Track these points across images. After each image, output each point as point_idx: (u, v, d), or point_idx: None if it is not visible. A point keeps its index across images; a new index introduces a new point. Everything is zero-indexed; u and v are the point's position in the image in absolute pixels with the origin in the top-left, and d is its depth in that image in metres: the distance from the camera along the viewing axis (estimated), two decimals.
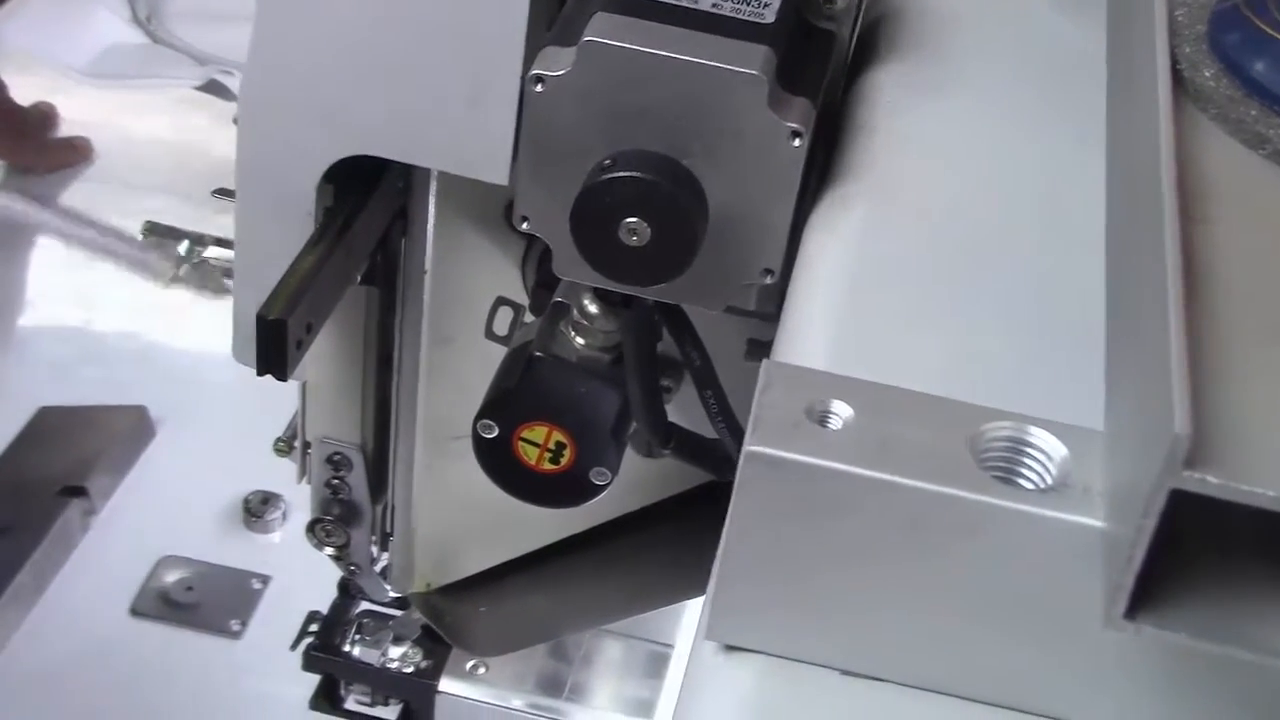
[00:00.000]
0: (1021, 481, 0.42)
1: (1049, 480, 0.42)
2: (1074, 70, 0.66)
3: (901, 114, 0.65)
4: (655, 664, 1.21)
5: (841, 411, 0.42)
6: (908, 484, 0.40)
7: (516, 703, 1.14)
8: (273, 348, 0.71)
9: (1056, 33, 0.70)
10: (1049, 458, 0.42)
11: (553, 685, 1.16)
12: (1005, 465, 0.42)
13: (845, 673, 0.44)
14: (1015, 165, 0.62)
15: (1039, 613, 0.42)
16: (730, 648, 0.45)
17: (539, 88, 0.62)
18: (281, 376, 0.72)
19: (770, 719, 0.43)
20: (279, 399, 0.94)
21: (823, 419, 0.42)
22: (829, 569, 0.42)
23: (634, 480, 0.89)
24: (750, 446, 0.41)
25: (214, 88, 2.09)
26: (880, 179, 0.61)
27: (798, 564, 0.42)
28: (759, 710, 0.43)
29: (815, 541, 0.42)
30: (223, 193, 0.85)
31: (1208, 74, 0.51)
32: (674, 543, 0.95)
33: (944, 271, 0.55)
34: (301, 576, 1.23)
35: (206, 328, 1.64)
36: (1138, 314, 0.43)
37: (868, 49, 0.71)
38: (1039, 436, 0.42)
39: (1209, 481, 0.35)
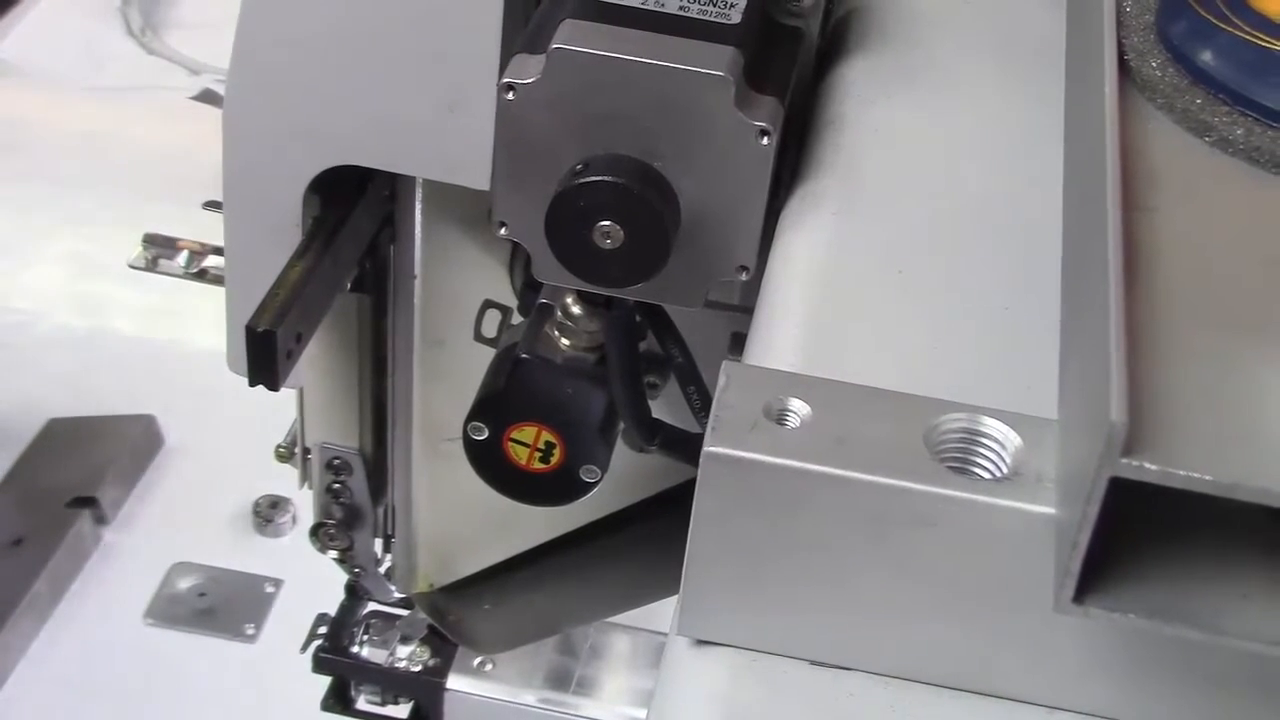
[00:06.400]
0: (977, 472, 0.43)
1: (1004, 470, 0.42)
2: (1044, 59, 0.66)
3: (871, 106, 0.66)
4: (661, 655, 1.21)
5: (799, 409, 0.43)
6: (864, 479, 0.41)
7: (525, 698, 1.15)
8: (262, 359, 0.72)
9: (1026, 21, 0.71)
10: (1003, 447, 0.43)
11: (561, 679, 1.17)
12: (961, 456, 0.43)
13: (814, 663, 0.45)
14: (985, 156, 0.62)
15: (999, 599, 0.43)
16: (701, 642, 0.46)
17: (510, 95, 0.63)
18: (272, 387, 0.73)
19: (741, 711, 0.44)
20: (286, 404, 0.95)
21: (780, 418, 0.43)
22: (793, 563, 0.43)
23: (632, 475, 0.90)
24: (709, 447, 0.42)
25: (210, 97, 2.10)
26: (850, 173, 0.62)
27: (762, 560, 0.43)
28: (730, 703, 0.44)
29: (778, 537, 0.43)
30: (213, 205, 0.86)
31: (1154, 64, 0.52)
32: (675, 534, 0.96)
33: (913, 265, 0.56)
34: (314, 579, 1.23)
35: (213, 335, 1.65)
36: (1084, 302, 0.44)
37: (837, 43, 0.71)
38: (993, 427, 0.43)
39: (1147, 468, 0.36)
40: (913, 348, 0.52)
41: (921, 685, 0.45)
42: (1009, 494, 0.41)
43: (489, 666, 1.15)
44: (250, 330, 0.71)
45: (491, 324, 0.86)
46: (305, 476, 0.98)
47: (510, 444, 0.78)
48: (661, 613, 1.20)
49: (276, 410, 0.97)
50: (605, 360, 0.77)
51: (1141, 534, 0.40)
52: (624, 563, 1.00)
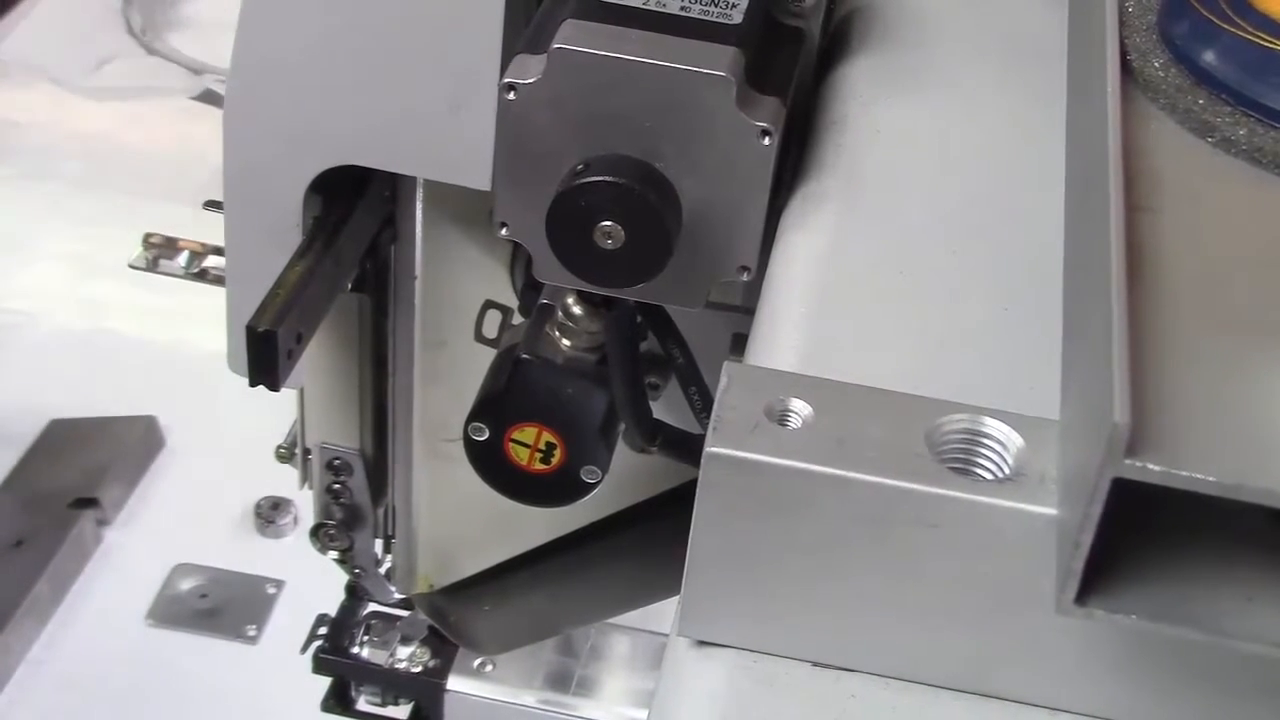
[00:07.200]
0: (979, 472, 0.42)
1: (1006, 471, 0.42)
2: (1046, 59, 0.66)
3: (873, 107, 0.66)
4: (662, 656, 1.21)
5: (800, 410, 0.43)
6: (866, 479, 0.41)
7: (525, 699, 1.15)
8: (263, 359, 0.72)
9: (1028, 21, 0.71)
10: (1005, 448, 0.43)
11: (561, 680, 1.16)
12: (963, 457, 0.43)
13: (816, 664, 0.45)
14: (987, 156, 0.62)
15: (1001, 600, 0.42)
16: (702, 643, 0.46)
17: (511, 95, 0.63)
18: (273, 387, 0.73)
19: (742, 712, 0.44)
20: (287, 405, 0.95)
21: (782, 418, 0.43)
22: (794, 564, 0.43)
23: (633, 475, 0.90)
24: (710, 448, 0.42)
25: (211, 97, 2.10)
26: (852, 174, 0.62)
27: (764, 560, 0.43)
28: (731, 704, 0.44)
29: (779, 538, 0.43)
30: (213, 205, 0.86)
31: (1157, 64, 0.52)
32: (675, 535, 0.96)
33: (915, 266, 0.56)
34: (316, 580, 1.23)
35: (213, 336, 1.65)
36: (1086, 303, 0.44)
37: (839, 43, 0.71)
38: (995, 428, 0.43)
39: (1150, 469, 0.36)
40: (914, 348, 0.51)
41: (923, 686, 0.44)
42: (1011, 495, 0.41)
43: (489, 667, 1.15)
44: (251, 330, 0.71)
45: (492, 324, 0.86)
46: (305, 477, 0.98)
47: (511, 445, 0.78)
48: (662, 614, 1.20)
49: (277, 411, 0.97)
50: (606, 361, 0.77)
51: (1144, 535, 0.40)
52: (624, 564, 0.99)
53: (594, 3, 0.63)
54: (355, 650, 1.15)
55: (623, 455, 0.82)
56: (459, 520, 0.98)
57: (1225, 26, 0.51)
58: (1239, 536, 0.40)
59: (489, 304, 0.86)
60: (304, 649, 1.15)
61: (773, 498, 0.42)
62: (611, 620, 1.16)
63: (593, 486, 0.80)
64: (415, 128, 0.71)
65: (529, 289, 0.84)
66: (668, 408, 0.84)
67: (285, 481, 1.03)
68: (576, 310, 0.76)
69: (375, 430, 0.95)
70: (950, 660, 0.44)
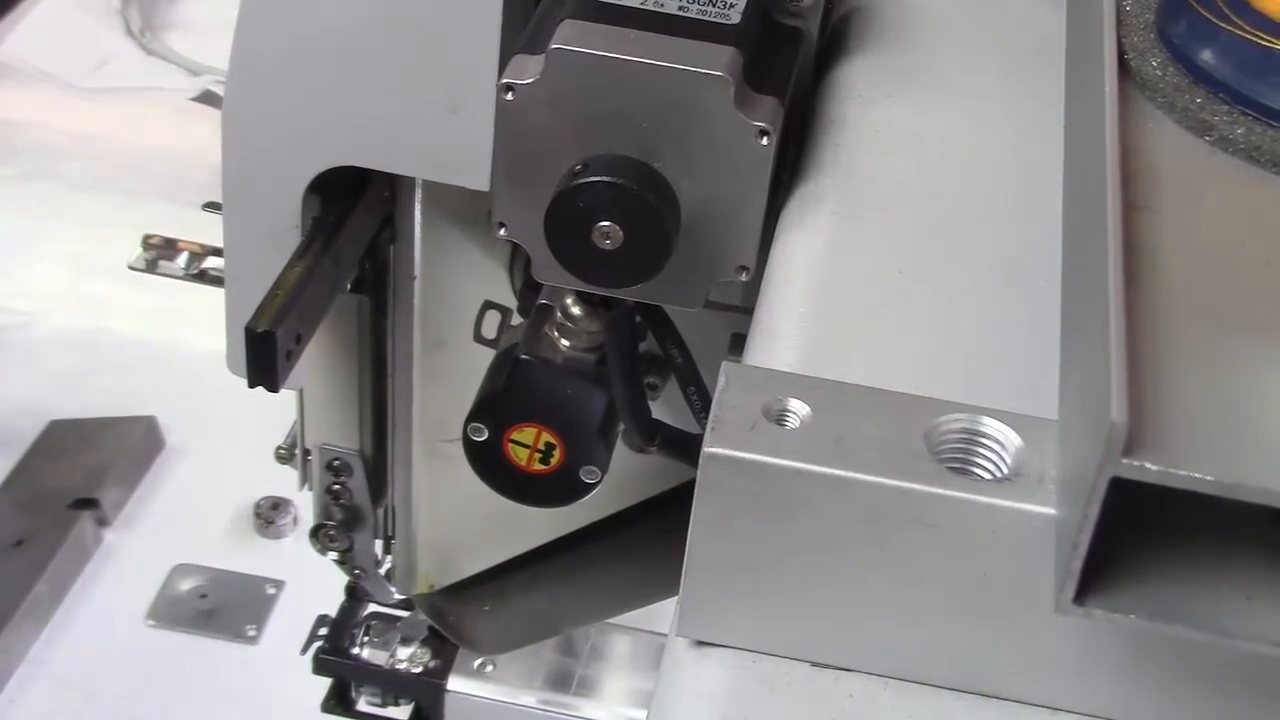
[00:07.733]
0: (978, 472, 0.42)
1: (1005, 470, 0.42)
2: (1044, 58, 0.66)
3: (871, 107, 0.66)
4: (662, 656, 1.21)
5: (799, 410, 0.43)
6: (864, 479, 0.41)
7: (526, 699, 1.15)
8: (262, 359, 0.72)
9: (1026, 21, 0.71)
10: (1004, 448, 0.43)
11: (561, 680, 1.16)
12: (961, 457, 0.43)
13: (815, 664, 0.45)
14: (985, 156, 0.62)
15: (1000, 600, 0.42)
16: (701, 643, 0.46)
17: (509, 96, 0.63)
18: (272, 388, 0.73)
19: (740, 712, 0.44)
20: (287, 405, 0.95)
21: (780, 418, 0.43)
22: (793, 564, 0.43)
23: (632, 476, 0.90)
24: (709, 448, 0.42)
25: (210, 98, 2.10)
26: (850, 174, 0.62)
27: (762, 560, 0.43)
28: (729, 704, 0.44)
29: (778, 538, 0.43)
30: (213, 206, 0.86)
31: (1154, 63, 0.52)
32: (675, 535, 0.96)
33: (913, 266, 0.56)
34: (316, 580, 1.23)
35: (213, 337, 1.64)
36: (1083, 302, 0.44)
37: (837, 43, 0.71)
38: (993, 427, 0.43)
39: (1147, 468, 0.36)
40: (913, 348, 0.51)
41: (922, 686, 0.44)
42: (1009, 494, 0.41)
43: (489, 668, 1.15)
44: (250, 331, 0.71)
45: (491, 325, 0.86)
46: (305, 478, 0.98)
47: (510, 445, 0.78)
48: (662, 614, 1.19)
49: (277, 411, 0.97)
50: (605, 361, 0.77)
51: (1143, 535, 0.40)
52: (624, 564, 0.99)
53: (592, 3, 0.63)
54: (355, 651, 1.15)
55: (622, 455, 0.82)
56: (459, 520, 0.98)
57: (1223, 25, 0.51)
58: (1239, 536, 0.40)
59: (488, 304, 0.86)
60: (304, 649, 1.15)
61: (771, 498, 0.42)
62: (611, 620, 1.16)
63: (592, 487, 0.80)
64: (414, 128, 0.71)
65: (528, 289, 0.84)
66: (667, 408, 0.84)
67: (285, 482, 1.03)
68: (575, 310, 0.76)
69: (375, 431, 0.95)
70: (950, 660, 0.44)
